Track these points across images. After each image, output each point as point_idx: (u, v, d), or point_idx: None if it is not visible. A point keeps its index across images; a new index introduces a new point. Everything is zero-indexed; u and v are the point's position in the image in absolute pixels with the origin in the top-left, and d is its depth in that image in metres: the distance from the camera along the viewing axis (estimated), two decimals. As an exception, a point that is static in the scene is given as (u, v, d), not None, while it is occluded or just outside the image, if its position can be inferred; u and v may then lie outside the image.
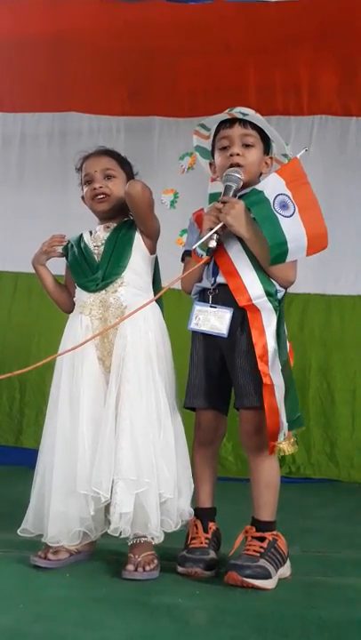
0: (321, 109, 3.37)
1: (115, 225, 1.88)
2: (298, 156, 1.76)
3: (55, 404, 1.78)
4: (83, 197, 1.93)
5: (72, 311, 1.91)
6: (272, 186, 1.70)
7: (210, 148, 1.89)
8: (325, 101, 3.36)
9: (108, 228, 1.88)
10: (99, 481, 1.64)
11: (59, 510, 1.69)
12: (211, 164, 1.90)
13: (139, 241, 1.84)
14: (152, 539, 1.69)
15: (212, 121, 1.84)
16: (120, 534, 1.66)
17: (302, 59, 3.32)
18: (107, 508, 1.69)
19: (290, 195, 1.70)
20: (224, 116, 1.81)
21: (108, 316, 1.78)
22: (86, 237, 1.91)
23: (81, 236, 1.92)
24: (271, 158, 1.86)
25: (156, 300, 1.86)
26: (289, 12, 3.23)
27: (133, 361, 1.73)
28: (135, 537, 1.69)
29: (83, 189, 1.91)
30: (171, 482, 1.71)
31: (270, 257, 1.68)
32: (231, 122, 1.80)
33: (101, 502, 1.65)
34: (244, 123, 1.79)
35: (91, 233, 1.91)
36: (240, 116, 1.79)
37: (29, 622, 1.36)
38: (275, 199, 1.68)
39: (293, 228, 1.68)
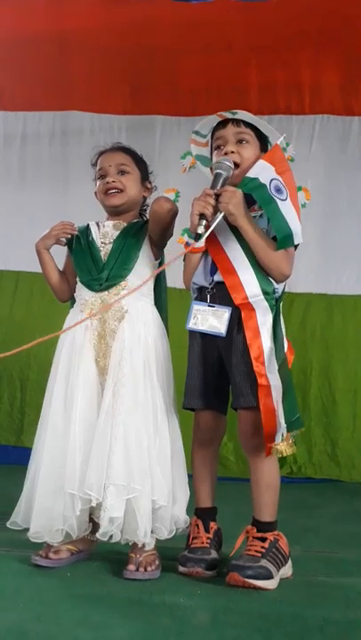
0: (323, 109, 3.37)
1: (125, 224, 1.86)
2: (278, 142, 1.77)
3: (49, 401, 1.77)
4: (95, 193, 1.91)
5: (67, 300, 1.90)
6: (264, 172, 1.71)
7: (209, 155, 1.89)
8: (327, 101, 3.37)
9: (117, 225, 1.86)
10: (90, 483, 1.63)
11: (43, 507, 1.68)
12: (211, 169, 1.89)
13: (147, 245, 1.83)
14: (143, 545, 1.67)
15: (204, 125, 1.85)
16: (110, 538, 1.64)
17: (304, 58, 3.32)
18: (91, 509, 1.68)
19: (281, 180, 1.72)
20: (214, 118, 1.82)
21: (107, 317, 1.76)
22: (93, 230, 1.87)
23: (87, 227, 1.89)
24: None
25: (159, 304, 1.85)
26: (291, 11, 3.23)
27: (130, 366, 1.72)
28: (126, 541, 1.68)
29: (96, 184, 1.90)
30: (165, 489, 1.69)
31: (278, 239, 1.68)
32: (224, 123, 1.80)
33: (91, 504, 1.64)
34: (238, 122, 1.79)
35: (98, 226, 1.88)
36: (230, 116, 1.79)
37: (30, 621, 1.36)
38: (270, 184, 1.69)
39: (290, 211, 1.70)
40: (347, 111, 3.37)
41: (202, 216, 1.68)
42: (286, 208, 1.69)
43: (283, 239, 1.68)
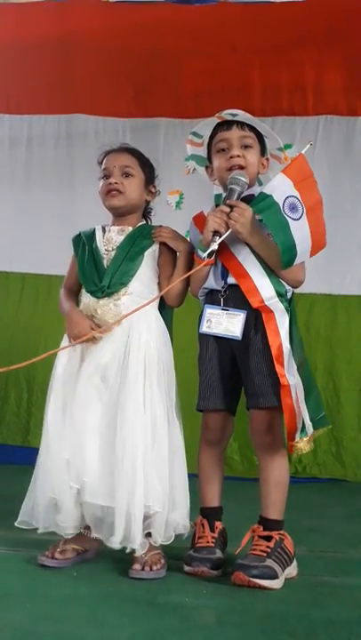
0: (326, 109, 3.36)
1: (130, 229, 1.86)
2: (303, 151, 1.75)
3: (48, 403, 1.79)
4: (100, 192, 1.92)
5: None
6: (280, 188, 1.69)
7: (205, 155, 1.89)
8: (331, 101, 3.35)
9: (122, 231, 1.86)
10: (59, 486, 1.66)
11: (28, 503, 1.73)
12: (207, 168, 1.90)
13: (153, 253, 1.84)
14: (133, 550, 1.67)
15: (203, 127, 1.85)
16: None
17: (307, 59, 3.32)
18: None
19: (298, 196, 1.69)
20: (213, 120, 1.82)
21: (107, 322, 1.76)
22: (98, 237, 1.87)
23: (93, 232, 1.89)
24: (267, 159, 1.87)
25: (164, 310, 1.84)
26: (294, 12, 3.24)
27: (128, 372, 1.71)
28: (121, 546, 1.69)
29: (100, 183, 1.90)
30: (161, 496, 1.68)
31: (282, 261, 1.68)
32: (229, 124, 1.80)
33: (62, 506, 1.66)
34: (242, 125, 1.80)
35: (103, 230, 1.88)
36: (230, 118, 1.80)
37: (37, 621, 1.37)
38: (284, 202, 1.67)
39: (301, 231, 1.68)
40: (351, 111, 3.35)
41: (215, 233, 1.70)
42: (297, 228, 1.67)
43: (287, 260, 1.68)
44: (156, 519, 1.69)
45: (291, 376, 1.69)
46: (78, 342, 1.73)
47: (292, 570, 1.72)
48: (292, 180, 1.70)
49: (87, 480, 1.66)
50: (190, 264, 1.80)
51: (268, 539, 1.69)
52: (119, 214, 1.89)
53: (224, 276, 1.78)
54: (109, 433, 1.69)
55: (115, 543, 1.65)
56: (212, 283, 1.80)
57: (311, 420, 1.71)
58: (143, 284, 1.81)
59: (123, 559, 1.74)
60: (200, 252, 1.73)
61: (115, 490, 1.64)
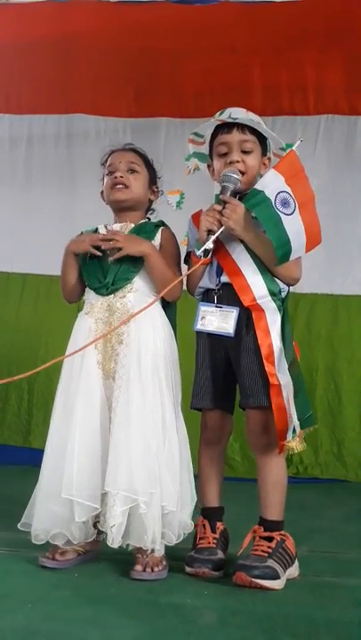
0: (327, 109, 3.36)
1: (132, 226, 1.86)
2: (294, 147, 1.75)
3: (55, 404, 1.78)
4: (102, 192, 1.91)
5: (75, 302, 1.91)
6: (272, 184, 1.69)
7: (207, 152, 1.90)
8: (332, 100, 3.35)
9: (124, 227, 1.85)
10: (91, 491, 1.63)
11: (43, 509, 1.69)
12: (209, 166, 1.90)
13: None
14: (152, 550, 1.67)
15: (205, 128, 1.85)
16: (112, 541, 1.64)
17: (308, 58, 3.32)
18: (96, 516, 1.68)
19: (290, 191, 1.69)
20: (215, 122, 1.82)
21: (113, 320, 1.76)
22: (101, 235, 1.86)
23: (96, 230, 1.89)
24: (269, 159, 1.87)
25: (169, 308, 1.84)
26: (294, 11, 3.23)
27: (137, 371, 1.71)
28: (132, 547, 1.68)
29: (104, 182, 1.89)
30: (174, 494, 1.68)
31: (276, 257, 1.68)
32: (229, 127, 1.79)
33: (91, 512, 1.64)
34: (242, 127, 1.79)
35: (106, 228, 1.88)
36: (230, 120, 1.79)
37: (38, 622, 1.37)
38: (276, 197, 1.67)
39: (294, 226, 1.68)
40: (351, 111, 3.35)
41: (210, 232, 1.70)
42: (291, 223, 1.67)
43: (281, 256, 1.67)
44: (170, 519, 1.69)
45: (282, 375, 1.69)
46: (89, 344, 1.71)
47: (293, 570, 1.71)
48: (284, 175, 1.70)
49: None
50: (160, 258, 1.78)
51: (270, 539, 1.68)
52: (122, 210, 1.88)
53: (218, 274, 1.78)
54: (118, 436, 1.67)
55: (147, 542, 1.64)
56: (207, 282, 1.81)
57: (299, 419, 1.71)
58: (147, 280, 1.80)
59: (124, 560, 1.74)
60: (197, 251, 1.73)
61: (139, 489, 1.62)
